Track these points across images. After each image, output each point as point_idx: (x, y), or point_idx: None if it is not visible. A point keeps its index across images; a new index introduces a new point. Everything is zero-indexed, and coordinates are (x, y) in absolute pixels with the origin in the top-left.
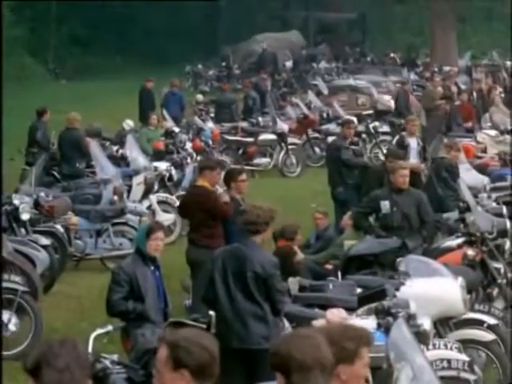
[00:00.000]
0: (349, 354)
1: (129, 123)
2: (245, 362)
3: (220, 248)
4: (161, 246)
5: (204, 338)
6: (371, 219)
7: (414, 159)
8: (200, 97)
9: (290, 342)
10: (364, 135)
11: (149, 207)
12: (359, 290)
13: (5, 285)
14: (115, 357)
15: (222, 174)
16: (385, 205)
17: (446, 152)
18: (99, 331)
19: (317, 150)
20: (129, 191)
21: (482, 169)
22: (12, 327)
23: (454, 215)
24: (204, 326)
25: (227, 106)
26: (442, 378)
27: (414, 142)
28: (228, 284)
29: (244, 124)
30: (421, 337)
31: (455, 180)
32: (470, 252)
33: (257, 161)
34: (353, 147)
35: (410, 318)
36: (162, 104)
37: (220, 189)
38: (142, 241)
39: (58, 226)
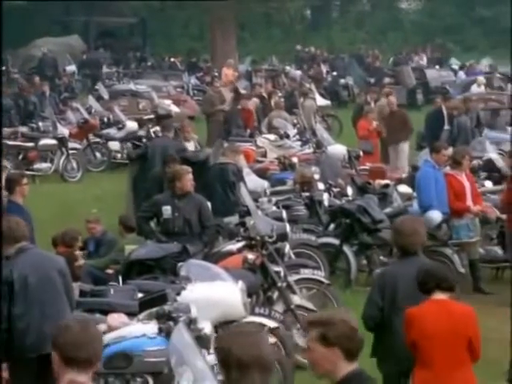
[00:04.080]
0: None
1: None
2: (40, 368)
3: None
4: None
5: None
6: (152, 224)
7: None
8: None
9: (232, 338)
10: (145, 140)
11: None
12: (140, 295)
13: None
14: None
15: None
16: (166, 210)
17: (231, 156)
18: None
19: (98, 154)
20: None
21: (262, 173)
22: None
23: (234, 219)
24: None
25: (5, 110)
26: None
27: (191, 146)
28: (31, 291)
29: (24, 129)
30: (202, 341)
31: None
32: (250, 256)
33: (37, 166)
34: None
35: (191, 323)
36: None
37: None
38: None
39: None
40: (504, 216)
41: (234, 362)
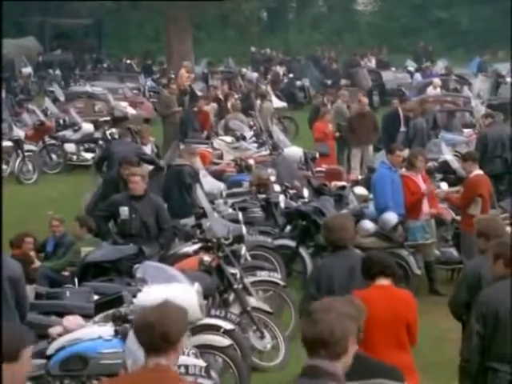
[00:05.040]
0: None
1: None
2: None
3: None
4: None
5: None
6: (110, 225)
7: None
8: None
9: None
10: (101, 142)
11: None
12: (96, 297)
13: None
14: None
15: None
16: (124, 210)
17: (187, 158)
18: None
19: (53, 156)
20: None
21: (218, 175)
22: None
23: (190, 221)
24: None
25: None
26: None
27: (148, 149)
28: None
29: None
30: None
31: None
32: (207, 258)
33: None
34: None
35: None
36: None
37: None
38: None
39: None
40: (459, 217)
41: (302, 340)
